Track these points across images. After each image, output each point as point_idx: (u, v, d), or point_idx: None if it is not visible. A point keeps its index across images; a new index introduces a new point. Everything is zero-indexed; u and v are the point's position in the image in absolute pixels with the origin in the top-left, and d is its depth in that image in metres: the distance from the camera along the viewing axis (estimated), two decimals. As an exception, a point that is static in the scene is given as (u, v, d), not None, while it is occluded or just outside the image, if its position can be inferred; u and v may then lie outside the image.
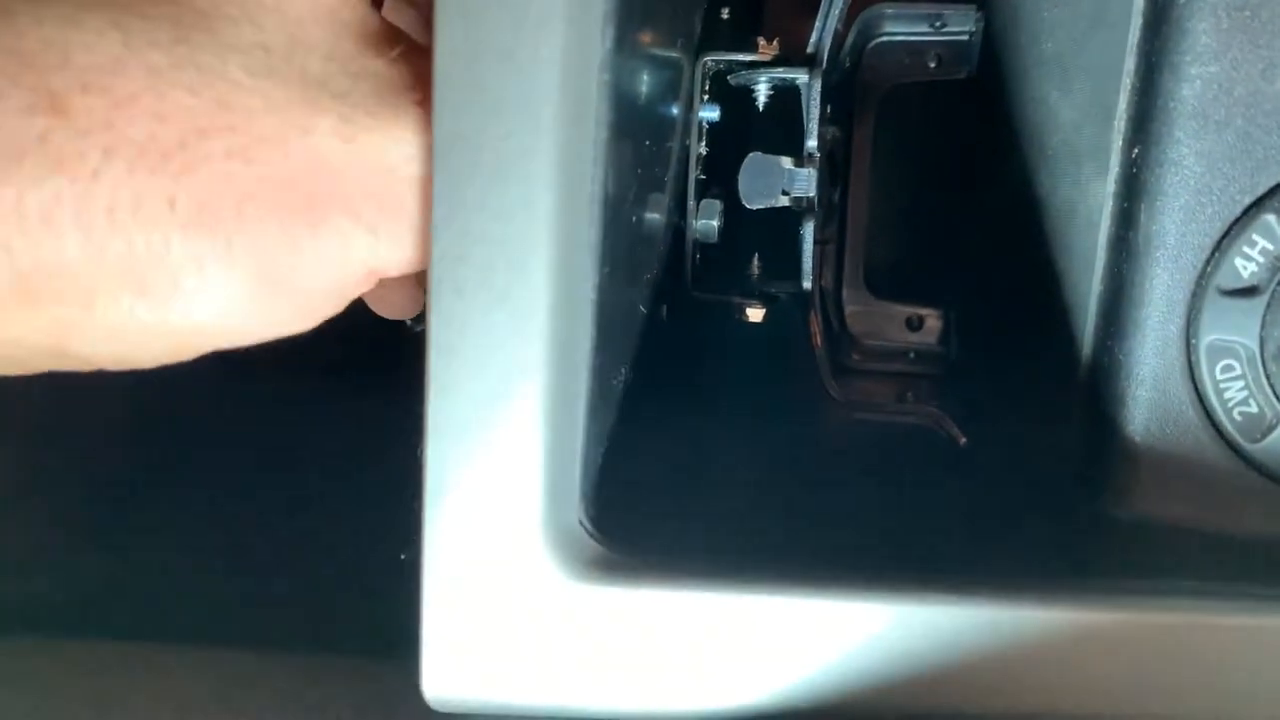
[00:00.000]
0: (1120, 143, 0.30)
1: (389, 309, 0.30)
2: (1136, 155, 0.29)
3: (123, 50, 0.21)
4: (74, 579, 0.35)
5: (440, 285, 0.23)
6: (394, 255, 0.23)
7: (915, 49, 0.40)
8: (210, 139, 0.21)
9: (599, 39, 0.23)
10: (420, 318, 0.24)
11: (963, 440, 0.33)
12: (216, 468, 0.32)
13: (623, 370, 0.29)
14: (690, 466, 0.29)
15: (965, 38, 0.40)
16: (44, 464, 0.36)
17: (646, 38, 0.27)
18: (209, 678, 0.30)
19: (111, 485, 0.34)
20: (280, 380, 0.31)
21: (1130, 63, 0.29)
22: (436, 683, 0.25)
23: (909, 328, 0.41)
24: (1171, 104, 0.28)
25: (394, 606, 0.26)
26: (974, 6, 0.39)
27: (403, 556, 0.25)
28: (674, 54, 0.31)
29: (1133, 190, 0.29)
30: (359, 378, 0.30)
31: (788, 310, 0.34)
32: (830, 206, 0.37)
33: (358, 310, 0.25)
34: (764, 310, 0.33)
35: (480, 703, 0.25)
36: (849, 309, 0.41)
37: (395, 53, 0.24)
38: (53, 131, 0.20)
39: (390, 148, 0.22)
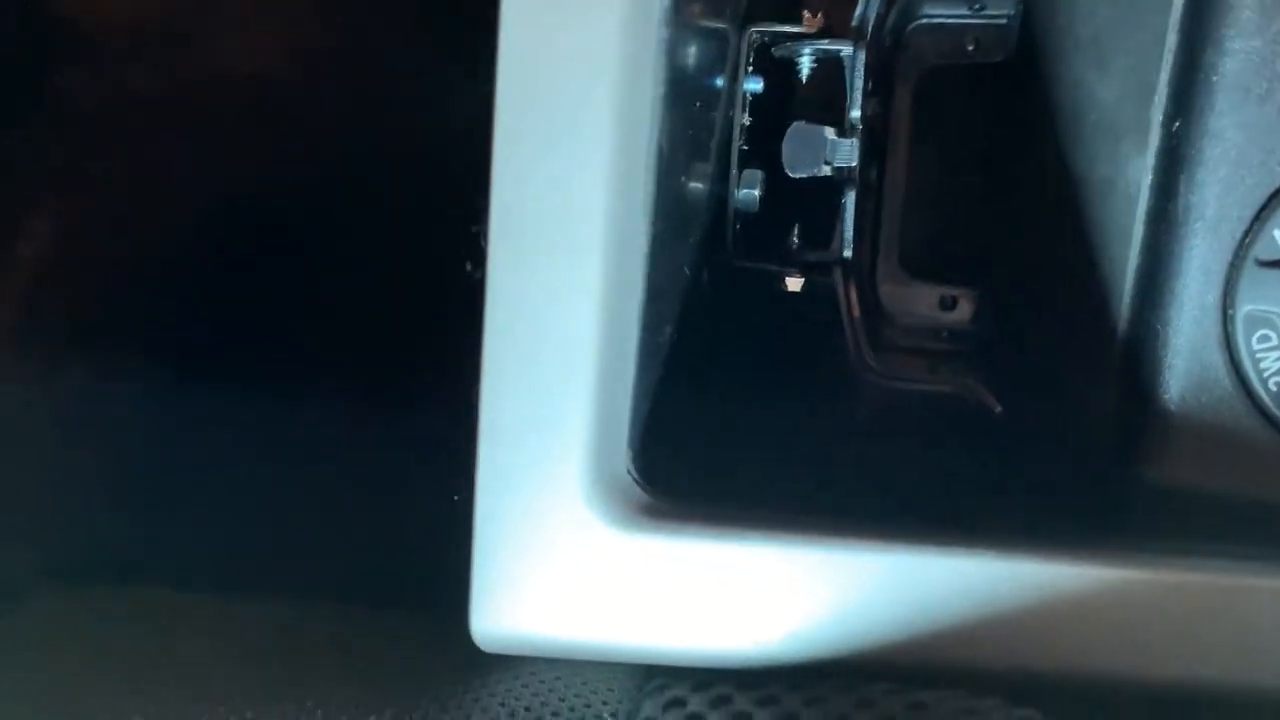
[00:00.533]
0: (1160, 118, 0.30)
1: None
2: (1177, 129, 0.30)
3: None
4: (114, 532, 0.35)
5: (499, 233, 0.24)
6: None
7: (954, 31, 0.41)
8: None
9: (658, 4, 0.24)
10: (479, 264, 0.24)
11: (998, 409, 0.33)
12: (259, 420, 0.33)
13: (668, 329, 0.29)
14: (730, 424, 0.30)
15: (1004, 21, 0.40)
16: (81, 418, 0.36)
17: (698, 4, 0.28)
18: (257, 628, 0.31)
19: (152, 440, 0.35)
20: (325, 331, 0.31)
21: (1172, 39, 0.30)
22: (485, 622, 0.26)
23: (942, 307, 0.41)
24: (1214, 77, 0.29)
25: (439, 558, 0.27)
26: (1013, -10, 0.39)
27: (455, 498, 0.25)
28: (722, 24, 0.32)
29: (1173, 163, 0.30)
30: (413, 325, 0.30)
31: (826, 280, 0.35)
32: (867, 184, 0.38)
33: (409, 256, 0.26)
34: (802, 280, 0.34)
35: (527, 643, 0.26)
36: (883, 287, 0.41)
37: None
38: None
39: None
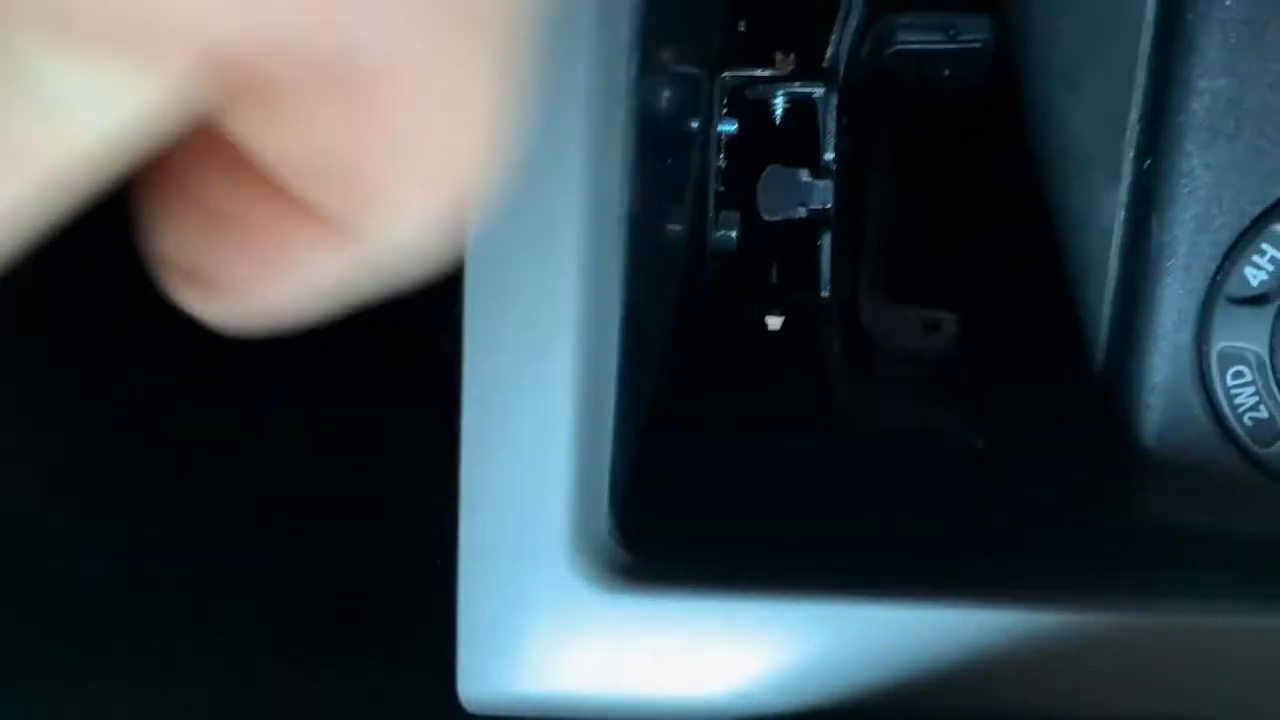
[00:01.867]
0: (1132, 153, 0.30)
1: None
2: (1148, 166, 0.30)
3: None
4: (101, 579, 0.35)
5: (474, 305, 0.24)
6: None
7: (929, 58, 0.41)
8: None
9: (624, 66, 0.24)
10: (455, 339, 0.25)
11: (980, 444, 0.33)
12: (247, 472, 0.33)
13: (647, 382, 0.29)
14: (713, 475, 0.30)
15: (978, 45, 0.40)
16: (72, 464, 0.36)
17: (669, 57, 0.28)
18: (242, 684, 0.31)
19: (141, 486, 0.35)
20: (306, 382, 0.32)
21: (1141, 75, 0.30)
22: (473, 686, 0.26)
23: (925, 331, 0.42)
24: (1181, 117, 0.29)
25: (429, 617, 0.27)
26: (987, 15, 0.40)
27: (438, 562, 0.25)
28: (694, 70, 0.32)
29: (1144, 200, 0.30)
30: (395, 400, 0.30)
31: (806, 319, 0.35)
32: (846, 217, 0.38)
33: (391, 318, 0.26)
34: (783, 319, 0.34)
35: (515, 703, 0.26)
36: (866, 314, 0.41)
37: None
38: None
39: None
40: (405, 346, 0.27)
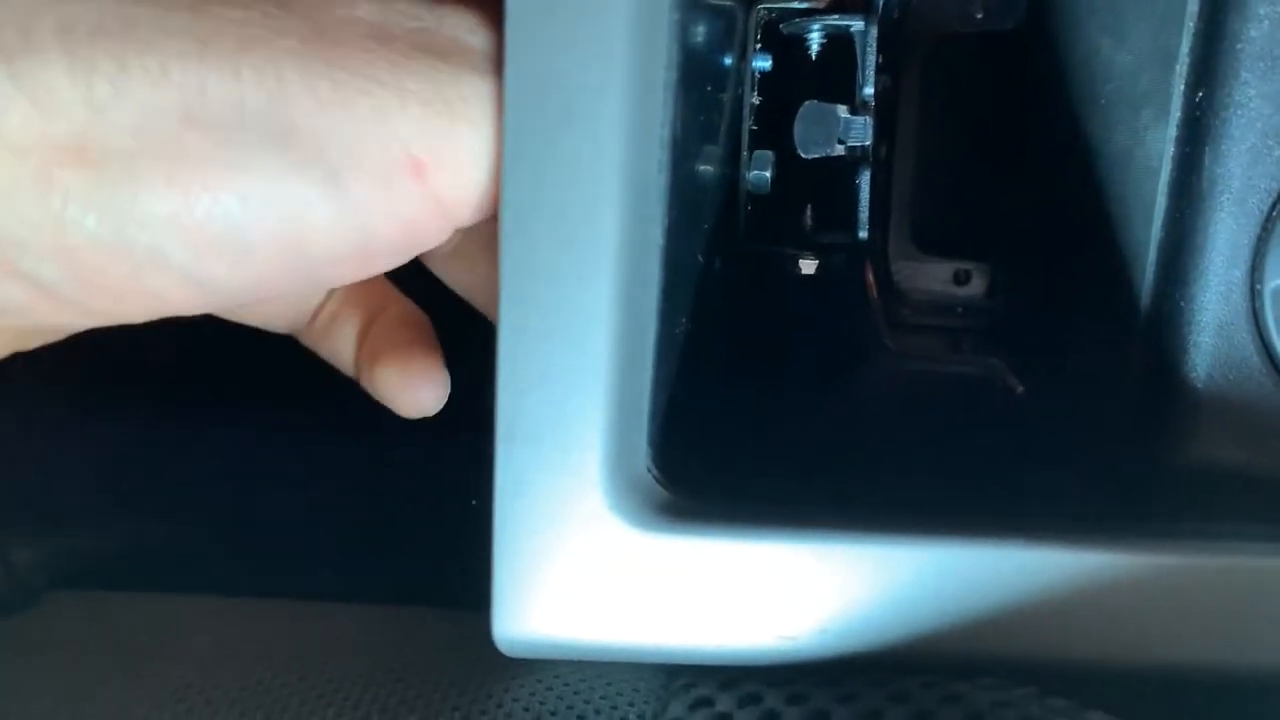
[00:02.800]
0: (1182, 87, 0.29)
1: (411, 396, 0.28)
2: (1200, 99, 0.29)
3: None
4: (134, 531, 0.35)
5: (510, 231, 0.23)
6: (433, 136, 0.21)
7: (962, 0, 0.40)
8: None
9: (669, -20, 0.23)
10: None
11: (1020, 389, 0.32)
12: (278, 418, 0.32)
13: (682, 320, 0.28)
14: (748, 415, 0.29)
15: (1012, -13, 0.39)
16: (99, 416, 0.36)
17: (707, -17, 0.27)
18: (275, 630, 0.30)
19: (173, 435, 0.35)
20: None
21: (1194, 5, 0.29)
22: (506, 627, 0.25)
23: (956, 282, 0.41)
24: (1238, 45, 0.28)
25: (461, 556, 0.26)
26: (1022, -44, 0.39)
27: (473, 502, 0.25)
28: (730, 1, 0.31)
29: (1196, 134, 0.29)
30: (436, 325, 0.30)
31: (840, 262, 0.34)
32: (877, 160, 0.37)
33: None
34: (817, 262, 0.33)
35: (550, 646, 0.25)
36: (896, 264, 0.40)
37: None
38: None
39: (391, 17, 0.21)
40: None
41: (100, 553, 0.34)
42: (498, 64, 0.22)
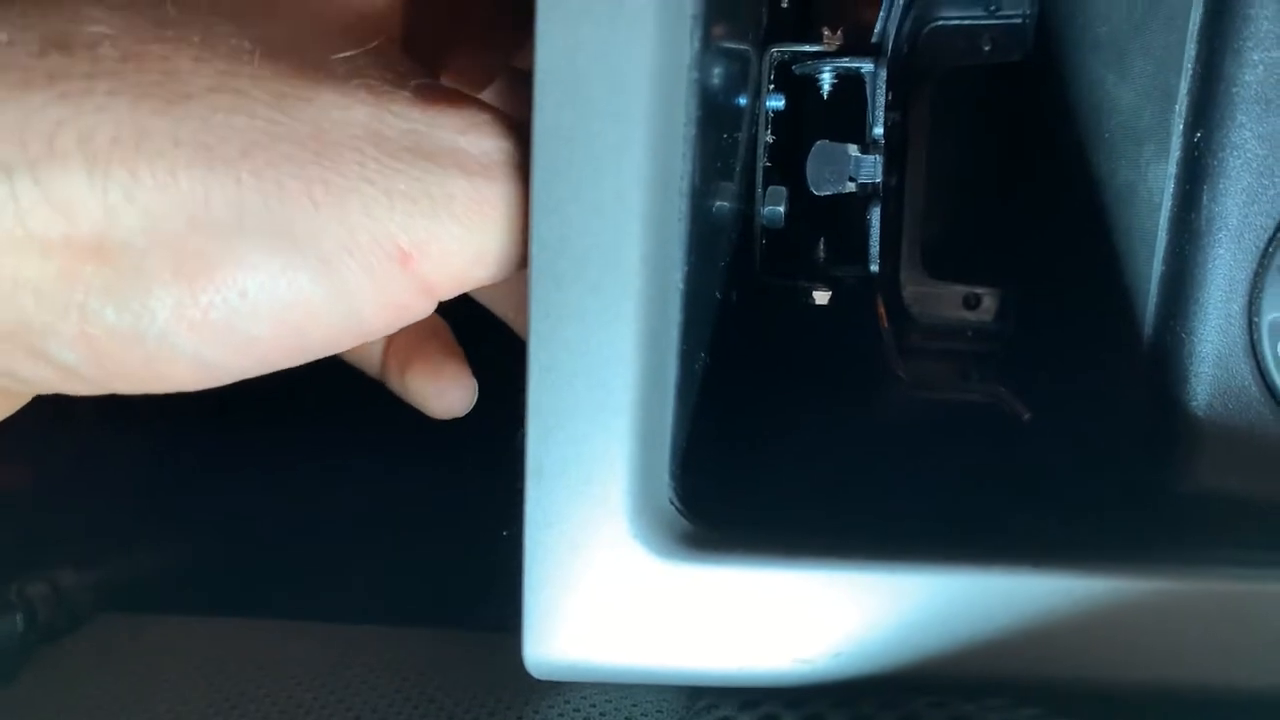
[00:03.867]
0: (1182, 126, 0.30)
1: (439, 399, 0.31)
2: (1199, 139, 0.30)
3: (137, 19, 0.21)
4: (170, 555, 0.36)
5: (539, 276, 0.25)
6: (421, 230, 0.22)
7: (970, 33, 0.41)
8: (216, 95, 0.21)
9: (688, 39, 0.24)
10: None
11: (1026, 416, 0.34)
12: (319, 445, 0.34)
13: (702, 355, 0.30)
14: (765, 446, 0.31)
15: (1019, 20, 0.40)
16: (143, 439, 0.37)
17: (724, 33, 0.28)
18: (311, 653, 0.32)
19: (217, 459, 0.36)
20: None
21: (1191, 48, 0.30)
22: (536, 650, 0.26)
23: (966, 306, 0.42)
24: (1234, 89, 0.29)
25: (492, 584, 0.28)
26: (1028, -10, 0.40)
27: (505, 533, 0.26)
28: (745, 46, 0.32)
29: (1195, 173, 0.30)
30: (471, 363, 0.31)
31: (852, 293, 0.35)
32: (888, 188, 0.38)
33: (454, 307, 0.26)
34: (829, 293, 0.35)
35: (578, 669, 0.27)
36: (907, 290, 0.41)
37: (382, 45, 0.24)
38: (62, 68, 0.20)
39: (386, 119, 0.22)
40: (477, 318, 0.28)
41: (144, 576, 0.35)
42: (483, 165, 0.24)
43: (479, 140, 0.24)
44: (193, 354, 0.22)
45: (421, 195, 0.22)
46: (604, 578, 0.26)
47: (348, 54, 0.23)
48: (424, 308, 0.24)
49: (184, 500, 0.36)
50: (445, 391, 0.31)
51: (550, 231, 0.24)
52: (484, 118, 0.24)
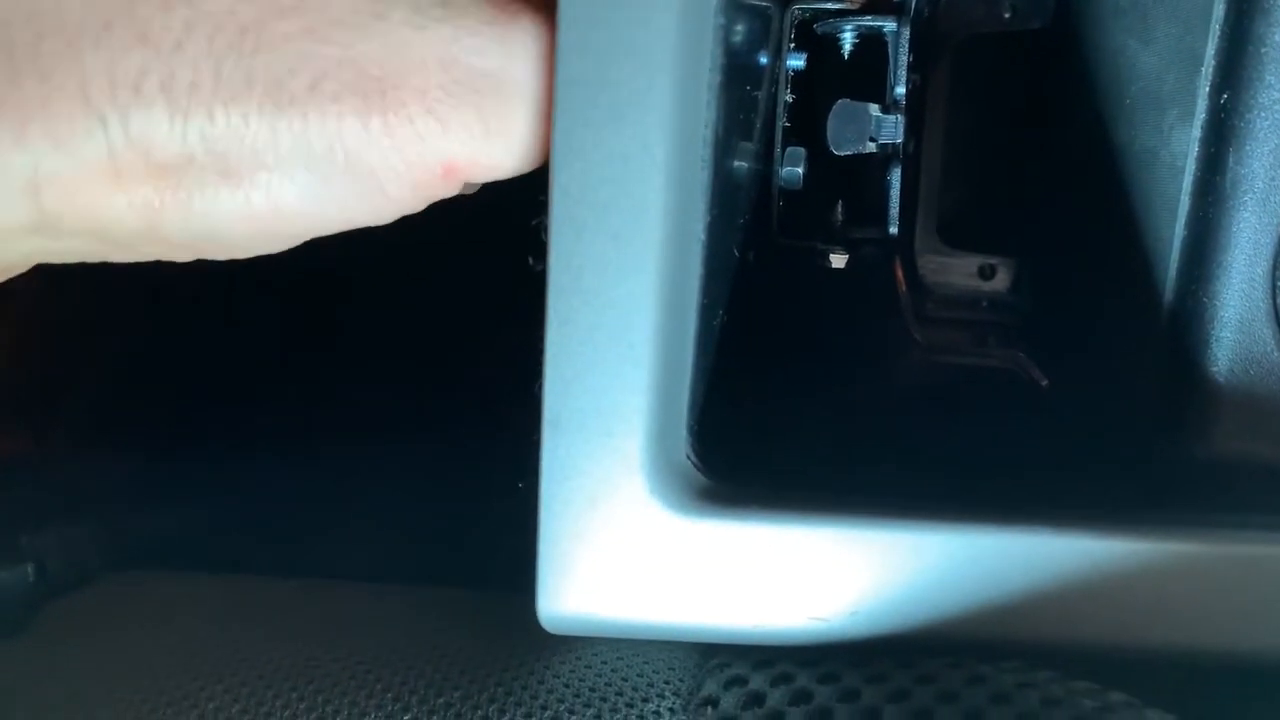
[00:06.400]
0: (1207, 89, 0.30)
1: None
2: (1225, 101, 0.30)
3: None
4: (179, 515, 0.36)
5: (560, 224, 0.24)
6: (467, 152, 0.24)
7: (990, 0, 0.41)
8: (287, 18, 0.22)
9: (714, -15, 0.24)
10: (541, 258, 0.25)
11: (1045, 382, 0.33)
12: (329, 407, 0.33)
13: (719, 312, 0.29)
14: (782, 405, 0.30)
15: (1040, -14, 0.40)
16: (153, 398, 0.37)
17: (747, -15, 0.28)
18: (322, 611, 0.32)
19: (225, 418, 0.36)
20: (399, 320, 0.32)
21: (1220, 9, 0.30)
22: (551, 606, 0.26)
23: (981, 276, 0.41)
24: (1263, 49, 0.29)
25: (505, 542, 0.27)
26: (1049, -43, 0.39)
27: (520, 485, 0.26)
28: (767, 2, 0.32)
29: (1221, 135, 0.30)
30: (480, 319, 0.31)
31: (869, 256, 0.35)
32: (905, 155, 0.38)
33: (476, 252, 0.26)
34: (846, 256, 0.34)
35: (591, 624, 0.26)
36: (921, 258, 0.41)
37: None
38: (138, 4, 0.21)
39: (459, 38, 0.23)
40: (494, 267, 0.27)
41: (152, 533, 0.35)
42: (535, 89, 0.24)
43: (530, 66, 0.24)
44: (243, 248, 0.24)
45: (479, 124, 0.24)
46: (620, 532, 0.26)
47: None
48: (452, 192, 0.25)
49: (194, 461, 0.36)
50: None
51: (571, 179, 0.24)
52: (539, 40, 0.24)
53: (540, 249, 0.25)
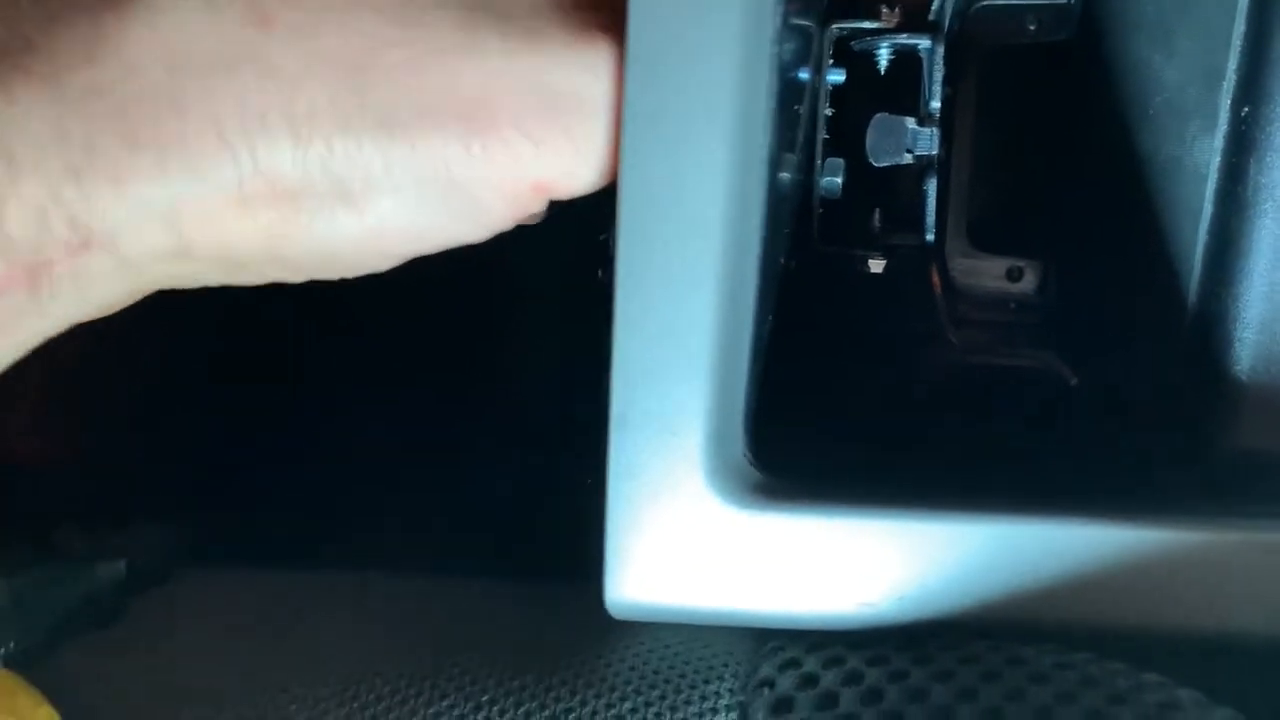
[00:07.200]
0: (1229, 102, 0.32)
1: None
2: (1246, 113, 0.31)
3: None
4: (247, 507, 0.38)
5: (627, 234, 0.26)
6: (556, 170, 0.26)
7: (1016, 12, 0.42)
8: (393, 49, 0.24)
9: (771, 16, 0.25)
10: (608, 269, 0.26)
11: (1073, 380, 0.35)
12: (397, 403, 0.35)
13: (770, 318, 0.31)
14: (828, 404, 0.32)
15: (1066, 2, 0.42)
16: (222, 410, 0.39)
17: (797, 9, 0.30)
18: (388, 602, 0.33)
19: (289, 425, 0.37)
20: (452, 313, 0.34)
21: (1240, 25, 0.31)
22: (618, 593, 0.28)
23: (1009, 279, 0.43)
24: (1283, 65, 0.30)
25: (573, 533, 0.29)
26: (1075, -29, 0.41)
27: (589, 481, 0.27)
28: (810, 23, 0.33)
29: (1242, 146, 0.31)
30: (550, 326, 0.32)
31: (905, 262, 0.36)
32: (940, 166, 0.39)
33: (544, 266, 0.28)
34: (884, 262, 0.36)
35: (655, 610, 0.28)
36: (952, 261, 0.43)
37: None
38: (261, 42, 0.23)
39: (547, 66, 0.25)
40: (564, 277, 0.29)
41: (231, 531, 0.37)
42: (613, 109, 0.26)
43: (606, 85, 0.26)
44: (355, 268, 0.26)
45: (567, 143, 0.25)
46: (681, 525, 0.28)
47: None
48: (539, 209, 0.27)
49: (271, 455, 0.38)
50: None
51: (639, 196, 0.26)
52: (610, 61, 0.26)
53: (608, 261, 0.26)
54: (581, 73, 0.25)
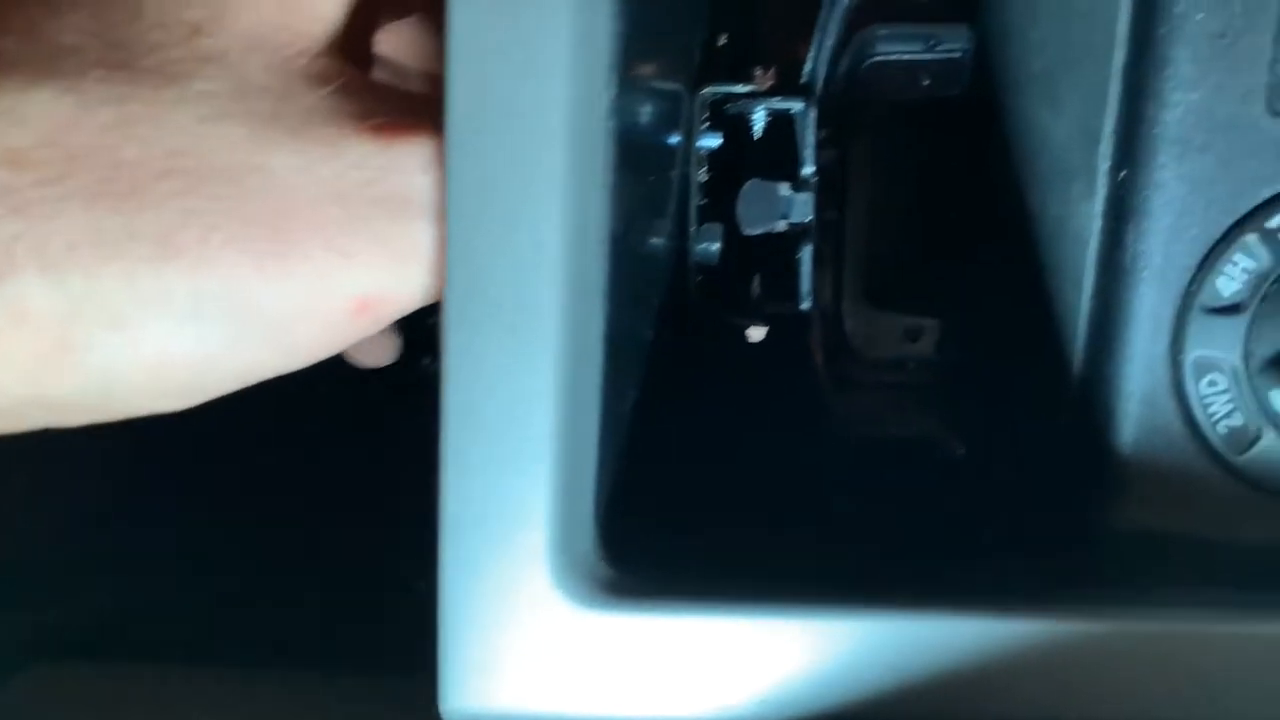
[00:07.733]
0: (1107, 165, 0.31)
1: (363, 356, 0.32)
2: (1122, 178, 0.30)
3: (76, 111, 0.22)
4: (84, 602, 0.36)
5: (454, 322, 0.24)
6: (375, 283, 0.24)
7: (908, 68, 0.41)
8: (167, 180, 0.22)
9: (604, 89, 0.24)
10: (436, 356, 0.25)
11: (960, 452, 0.34)
12: (224, 489, 0.33)
13: (631, 394, 0.30)
14: (697, 488, 0.30)
15: (957, 55, 0.41)
16: (47, 485, 0.37)
17: (650, 74, 0.29)
18: (218, 698, 0.31)
19: (119, 506, 0.35)
20: (293, 402, 0.32)
21: (1115, 88, 0.30)
22: (454, 701, 0.26)
23: (908, 338, 0.42)
24: (1155, 129, 0.29)
25: (403, 625, 0.27)
26: (966, 25, 0.40)
27: (422, 584, 0.26)
28: (675, 87, 0.32)
29: (1119, 211, 0.30)
30: (375, 403, 0.31)
31: (788, 329, 0.35)
32: (826, 226, 0.38)
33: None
34: (765, 330, 0.35)
35: (495, 719, 0.26)
36: (849, 322, 0.42)
37: (339, 84, 0.25)
38: (12, 181, 0.21)
39: (346, 173, 0.23)
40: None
41: (80, 623, 0.35)
42: (434, 207, 0.24)
43: (439, 174, 0.24)
44: (144, 404, 0.24)
45: (382, 249, 0.24)
46: (524, 627, 0.26)
47: (305, 102, 0.24)
48: (369, 331, 0.25)
49: (118, 545, 0.36)
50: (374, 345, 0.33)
51: (464, 277, 0.24)
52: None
53: (435, 347, 0.25)
54: (389, 174, 0.24)
